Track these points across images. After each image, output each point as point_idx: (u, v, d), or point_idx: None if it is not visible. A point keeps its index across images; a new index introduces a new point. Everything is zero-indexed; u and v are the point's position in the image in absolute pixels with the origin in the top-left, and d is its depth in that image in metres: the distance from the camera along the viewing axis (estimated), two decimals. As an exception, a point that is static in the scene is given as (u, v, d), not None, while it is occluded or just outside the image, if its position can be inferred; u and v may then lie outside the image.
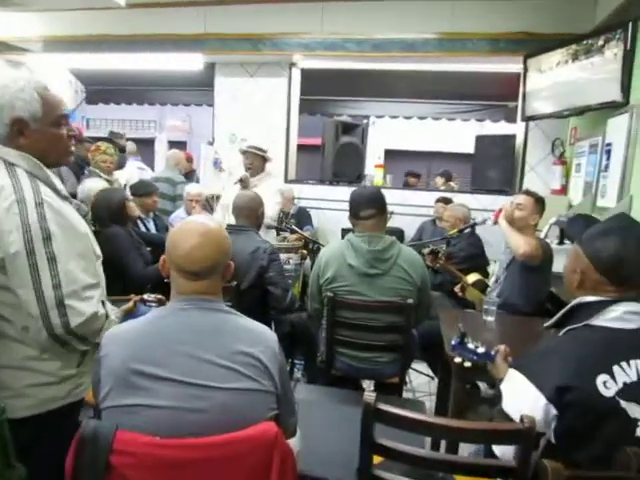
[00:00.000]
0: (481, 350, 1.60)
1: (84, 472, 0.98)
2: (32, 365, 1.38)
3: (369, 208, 2.27)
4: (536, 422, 1.10)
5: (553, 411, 1.13)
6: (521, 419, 1.04)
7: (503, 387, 1.29)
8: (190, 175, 5.50)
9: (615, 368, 1.14)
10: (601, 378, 1.13)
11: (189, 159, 5.61)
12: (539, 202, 2.67)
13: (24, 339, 1.37)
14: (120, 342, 1.13)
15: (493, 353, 1.59)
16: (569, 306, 1.31)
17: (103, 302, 1.48)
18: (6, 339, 1.36)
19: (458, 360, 1.62)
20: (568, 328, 1.27)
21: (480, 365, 1.60)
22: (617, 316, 1.20)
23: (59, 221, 1.34)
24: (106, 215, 2.78)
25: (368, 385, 2.65)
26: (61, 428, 1.14)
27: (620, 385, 1.12)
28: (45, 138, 1.39)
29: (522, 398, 1.18)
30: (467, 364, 1.61)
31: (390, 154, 11.58)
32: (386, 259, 2.23)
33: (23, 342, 1.37)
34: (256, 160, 3.63)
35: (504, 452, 1.17)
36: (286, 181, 5.07)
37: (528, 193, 2.72)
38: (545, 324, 1.42)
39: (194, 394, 1.06)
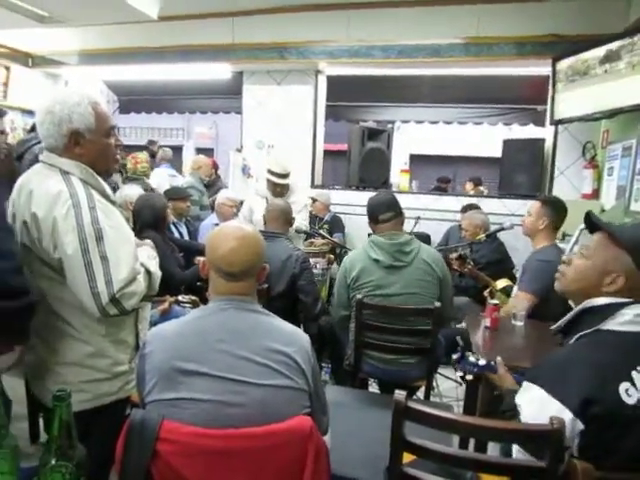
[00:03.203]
0: (482, 362, 1.63)
1: (132, 458, 1.05)
2: (89, 362, 1.49)
3: (387, 211, 2.42)
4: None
5: (580, 426, 1.09)
6: (550, 420, 1.05)
7: (520, 401, 1.24)
8: (215, 181, 5.60)
9: (634, 374, 1.13)
10: (623, 386, 1.11)
11: (213, 166, 5.67)
12: (546, 204, 2.62)
13: (83, 338, 1.47)
14: (163, 340, 1.20)
15: (493, 364, 1.62)
16: (577, 310, 1.30)
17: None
18: (68, 338, 1.47)
19: (460, 374, 1.65)
20: (580, 335, 1.25)
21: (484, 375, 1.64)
22: (629, 320, 1.20)
23: (110, 223, 1.44)
24: (148, 220, 2.86)
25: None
26: (111, 422, 1.22)
27: None
28: (97, 148, 1.51)
29: (544, 413, 1.13)
30: (469, 377, 1.65)
31: (416, 159, 11.57)
32: (408, 252, 2.34)
33: (82, 340, 1.48)
34: (283, 188, 3.71)
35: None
36: (312, 186, 5.12)
37: (537, 199, 2.71)
38: (552, 327, 1.40)
39: (233, 389, 1.12)
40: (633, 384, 1.12)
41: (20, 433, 2.27)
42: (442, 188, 6.99)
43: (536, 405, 1.17)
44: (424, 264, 2.34)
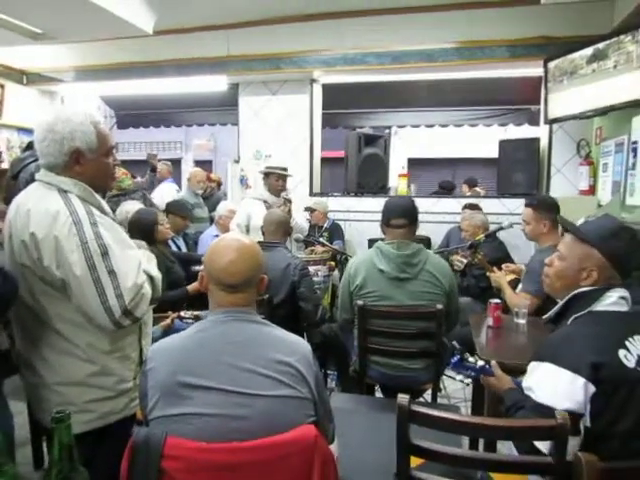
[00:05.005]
0: (480, 363, 1.64)
1: (138, 477, 1.04)
2: (93, 381, 1.48)
3: (400, 218, 2.36)
4: (577, 404, 1.19)
5: (592, 388, 1.19)
6: (554, 415, 1.06)
7: (529, 383, 1.32)
8: (213, 193, 5.61)
9: (627, 343, 1.27)
10: (622, 352, 1.24)
11: (208, 179, 5.63)
12: (539, 208, 2.68)
13: (86, 356, 1.47)
14: (165, 356, 1.19)
15: (489, 367, 1.62)
16: (566, 298, 1.43)
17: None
18: (70, 357, 1.47)
19: (460, 377, 1.66)
20: (574, 317, 1.38)
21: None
22: (614, 301, 1.36)
23: (113, 237, 1.45)
24: (139, 234, 2.85)
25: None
26: (117, 442, 1.21)
27: (636, 357, 1.24)
28: (97, 167, 1.52)
29: (557, 385, 1.23)
30: (467, 381, 1.66)
31: (414, 163, 11.57)
32: (415, 264, 2.28)
33: (85, 359, 1.47)
34: (286, 181, 3.84)
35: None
36: (311, 194, 5.14)
37: (526, 205, 2.76)
38: (544, 317, 1.53)
39: (237, 402, 1.12)
40: (629, 351, 1.25)
41: (24, 459, 2.25)
42: (445, 194, 6.87)
43: (548, 380, 1.26)
44: (430, 276, 2.29)
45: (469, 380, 1.67)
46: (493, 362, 1.65)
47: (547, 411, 1.21)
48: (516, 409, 1.37)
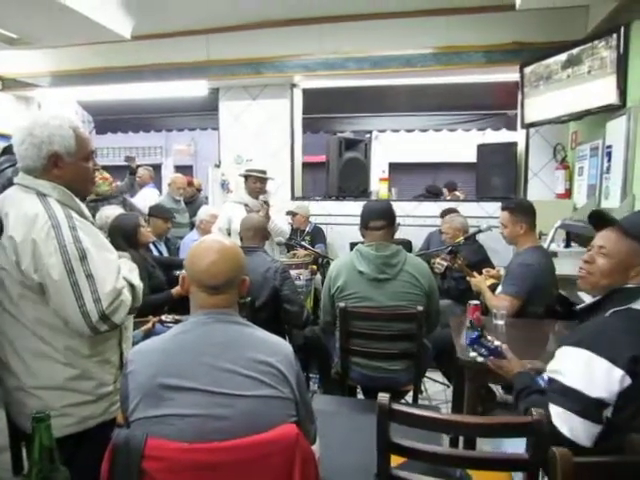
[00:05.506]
0: (497, 343, 1.66)
1: (119, 478, 1.03)
2: (72, 385, 1.47)
3: (378, 220, 2.39)
4: (610, 394, 1.21)
5: (627, 381, 1.21)
6: (530, 412, 1.08)
7: (558, 366, 1.33)
8: (195, 198, 5.58)
9: None
10: None
11: (189, 184, 5.62)
12: (515, 211, 2.71)
13: (66, 360, 1.46)
14: (146, 358, 1.19)
15: (500, 350, 1.64)
16: (609, 291, 1.43)
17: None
18: (49, 361, 1.45)
19: (473, 355, 1.67)
20: (613, 310, 1.37)
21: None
22: None
23: (92, 241, 1.45)
24: (121, 239, 2.84)
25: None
26: (97, 446, 1.20)
27: None
28: (75, 171, 1.52)
29: (593, 372, 1.24)
30: (480, 359, 1.67)
31: (395, 167, 11.67)
32: (394, 264, 2.32)
33: (65, 363, 1.46)
34: (265, 183, 3.84)
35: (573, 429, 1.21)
36: (292, 198, 5.15)
37: (503, 208, 2.79)
38: (579, 306, 1.53)
39: (218, 402, 1.12)
40: None
41: (2, 465, 2.21)
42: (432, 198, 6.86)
43: (582, 366, 1.27)
44: (410, 277, 2.32)
45: (482, 359, 1.67)
46: (504, 346, 1.66)
47: (576, 395, 1.24)
48: (527, 393, 1.39)
